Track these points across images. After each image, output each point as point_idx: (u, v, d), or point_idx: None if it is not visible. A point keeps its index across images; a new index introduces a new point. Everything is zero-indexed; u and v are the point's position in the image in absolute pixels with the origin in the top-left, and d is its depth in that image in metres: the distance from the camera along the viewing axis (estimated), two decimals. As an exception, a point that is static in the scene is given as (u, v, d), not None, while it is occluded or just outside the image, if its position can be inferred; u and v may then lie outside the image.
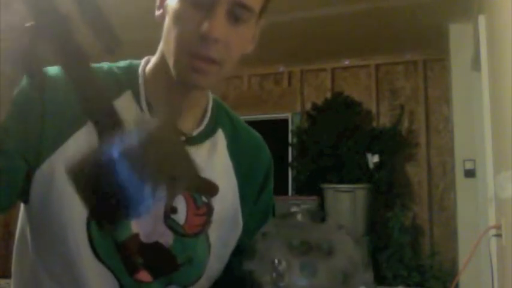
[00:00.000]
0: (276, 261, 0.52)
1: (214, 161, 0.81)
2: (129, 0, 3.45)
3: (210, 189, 0.77)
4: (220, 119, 0.85)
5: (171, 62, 0.73)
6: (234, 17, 0.70)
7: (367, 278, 0.53)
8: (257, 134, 0.93)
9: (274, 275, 0.50)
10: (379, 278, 4.27)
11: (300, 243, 0.53)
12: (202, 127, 0.81)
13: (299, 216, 0.57)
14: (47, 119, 0.71)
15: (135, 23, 3.57)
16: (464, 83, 3.87)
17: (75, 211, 0.69)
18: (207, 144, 0.81)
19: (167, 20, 0.73)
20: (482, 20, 2.73)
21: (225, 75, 0.74)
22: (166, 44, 0.74)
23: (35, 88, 0.71)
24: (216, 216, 0.79)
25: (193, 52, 0.69)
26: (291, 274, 0.51)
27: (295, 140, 4.85)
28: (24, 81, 0.71)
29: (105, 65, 0.79)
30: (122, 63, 0.81)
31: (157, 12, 0.77)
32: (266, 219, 0.85)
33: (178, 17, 0.71)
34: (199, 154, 0.79)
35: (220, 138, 0.83)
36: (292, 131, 4.99)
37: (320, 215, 0.55)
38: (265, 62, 5.09)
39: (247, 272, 0.50)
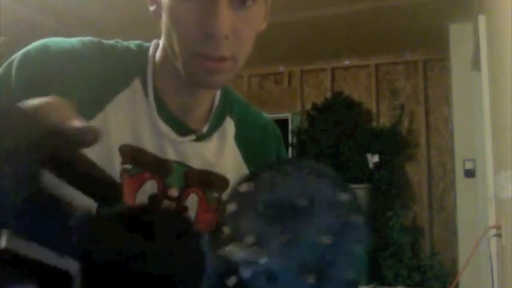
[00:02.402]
0: (246, 238, 0.43)
1: (224, 153, 0.76)
2: None
3: (221, 183, 0.75)
4: (228, 106, 0.79)
5: (178, 64, 0.65)
6: (239, 1, 0.61)
7: (361, 230, 0.43)
8: (266, 117, 0.87)
9: (247, 256, 0.42)
10: (379, 278, 4.27)
11: (272, 209, 0.44)
12: (210, 119, 0.76)
13: (266, 174, 0.46)
14: (65, 98, 0.64)
15: (141, 22, 3.58)
16: (464, 83, 3.87)
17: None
18: (215, 136, 0.76)
19: (165, 18, 0.65)
20: (482, 20, 2.73)
21: (241, 67, 0.67)
22: (169, 45, 0.66)
23: (54, 61, 0.64)
24: None
25: (202, 53, 0.62)
26: (270, 249, 0.43)
27: (295, 140, 4.85)
28: (44, 49, 0.65)
29: (118, 43, 0.73)
30: (133, 45, 0.74)
31: (151, 8, 0.69)
32: None
33: (176, 14, 0.62)
34: (208, 149, 0.75)
35: (228, 126, 0.78)
36: (292, 131, 4.99)
37: (290, 164, 0.45)
38: (265, 62, 5.09)
39: (221, 261, 0.42)
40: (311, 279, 0.43)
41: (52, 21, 3.95)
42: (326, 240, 0.43)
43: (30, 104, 0.33)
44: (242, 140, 0.80)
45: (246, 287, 0.42)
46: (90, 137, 0.33)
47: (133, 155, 0.67)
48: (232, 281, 0.42)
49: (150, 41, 0.76)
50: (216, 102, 0.77)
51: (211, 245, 0.43)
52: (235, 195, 0.46)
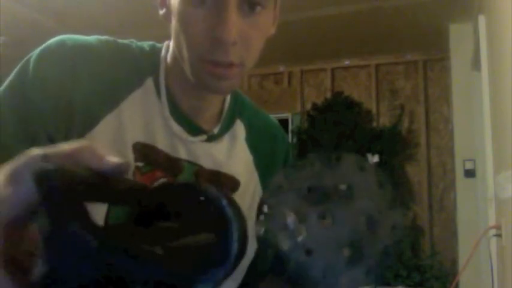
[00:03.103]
0: (287, 215, 0.46)
1: (235, 155, 0.77)
2: None
3: (231, 184, 0.75)
4: (238, 109, 0.81)
5: (187, 68, 0.66)
6: (248, 5, 0.61)
7: (396, 219, 0.47)
8: (274, 121, 0.89)
9: (287, 230, 0.45)
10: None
11: (315, 191, 0.47)
12: (221, 121, 0.76)
13: (311, 162, 0.49)
14: (77, 97, 0.65)
15: (142, 22, 3.58)
16: (464, 83, 3.87)
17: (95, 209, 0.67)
18: (226, 137, 0.77)
19: (174, 22, 0.65)
20: (482, 20, 2.73)
21: (249, 70, 0.68)
22: (178, 49, 0.67)
23: (67, 58, 0.66)
24: None
25: (210, 59, 0.62)
26: (309, 226, 0.46)
27: (295, 140, 4.85)
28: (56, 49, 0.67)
29: (133, 43, 0.74)
30: (146, 45, 0.74)
31: (161, 12, 0.70)
32: None
33: (185, 19, 0.63)
34: (219, 149, 0.75)
35: (239, 129, 0.79)
36: (292, 131, 4.99)
37: (336, 155, 0.49)
38: (265, 62, 5.08)
39: (260, 233, 0.45)
40: (346, 253, 0.45)
41: (52, 21, 3.95)
42: (362, 222, 0.46)
43: (64, 149, 0.35)
44: (252, 142, 0.81)
45: (284, 260, 0.45)
46: (125, 169, 0.36)
47: (145, 153, 0.68)
48: (270, 253, 0.45)
49: (159, 39, 0.77)
50: (227, 105, 0.78)
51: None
52: (280, 178, 0.49)
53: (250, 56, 0.65)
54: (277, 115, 5.14)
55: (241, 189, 0.76)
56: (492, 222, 2.49)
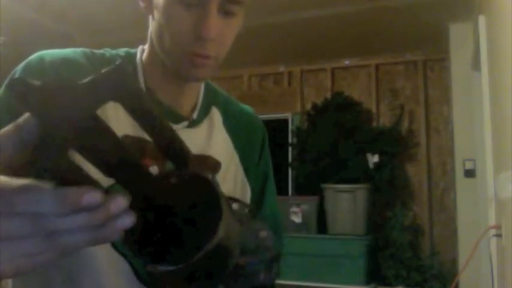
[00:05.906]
0: None
1: (214, 138, 0.84)
2: (128, 0, 3.45)
3: (213, 166, 0.79)
4: (212, 97, 0.89)
5: (169, 59, 0.76)
6: (225, 12, 0.73)
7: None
8: (248, 107, 0.96)
9: None
10: (379, 278, 4.27)
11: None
12: (198, 108, 0.85)
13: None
14: None
15: (141, 21, 3.58)
16: (464, 83, 3.87)
17: None
18: (205, 123, 0.85)
19: (157, 16, 0.74)
20: (482, 20, 2.73)
21: (221, 62, 0.79)
22: (160, 41, 0.76)
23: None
24: None
25: (191, 51, 0.73)
26: None
27: (295, 140, 4.85)
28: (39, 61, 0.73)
29: (107, 52, 0.81)
30: (121, 52, 0.83)
31: (142, 4, 0.78)
32: (267, 177, 0.93)
33: (170, 16, 0.72)
34: (199, 134, 0.82)
35: (215, 115, 0.87)
36: (292, 131, 4.99)
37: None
38: (265, 62, 5.09)
39: None
40: None
41: (52, 21, 3.94)
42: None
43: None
44: (229, 126, 0.88)
45: None
46: None
47: (135, 144, 0.74)
48: None
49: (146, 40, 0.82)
50: (201, 94, 0.87)
51: None
52: None
53: (223, 50, 0.76)
54: (277, 115, 5.14)
55: (222, 170, 0.80)
56: (492, 222, 2.49)
